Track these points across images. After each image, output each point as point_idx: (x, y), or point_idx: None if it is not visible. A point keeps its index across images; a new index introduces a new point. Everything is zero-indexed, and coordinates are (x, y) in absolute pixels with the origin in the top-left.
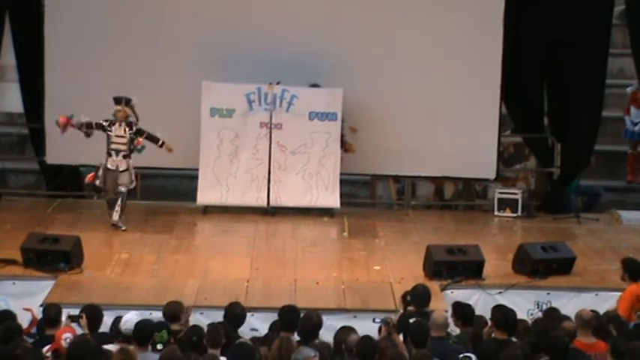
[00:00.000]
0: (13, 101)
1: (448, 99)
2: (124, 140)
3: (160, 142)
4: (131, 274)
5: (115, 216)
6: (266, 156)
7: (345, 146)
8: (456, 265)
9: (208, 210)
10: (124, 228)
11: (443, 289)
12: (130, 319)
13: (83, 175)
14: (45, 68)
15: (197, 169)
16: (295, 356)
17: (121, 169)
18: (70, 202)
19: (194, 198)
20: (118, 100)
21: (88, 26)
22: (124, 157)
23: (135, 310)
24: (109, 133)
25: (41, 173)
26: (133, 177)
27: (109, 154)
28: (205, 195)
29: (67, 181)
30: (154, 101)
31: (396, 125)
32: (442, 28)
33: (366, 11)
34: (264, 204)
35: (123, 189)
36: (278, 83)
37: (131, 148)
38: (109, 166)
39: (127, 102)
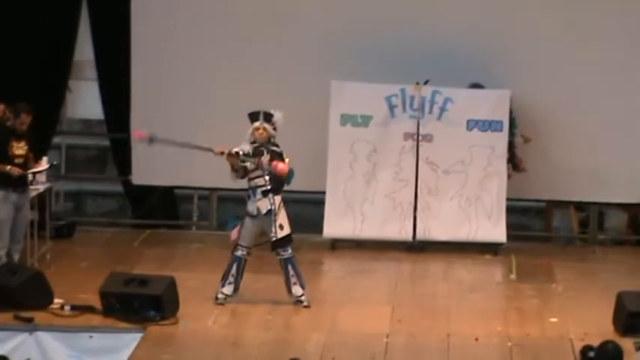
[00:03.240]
0: (92, 105)
1: None
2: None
3: None
4: (239, 325)
5: (297, 290)
6: (412, 176)
7: (514, 161)
8: None
9: (338, 245)
10: (306, 304)
11: (639, 347)
12: None
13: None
14: (131, 64)
15: (324, 193)
16: None
17: (264, 212)
18: (163, 233)
19: (320, 230)
20: (254, 117)
21: (184, 13)
22: (266, 193)
23: None
24: (247, 164)
25: (126, 197)
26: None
27: (248, 196)
28: (334, 226)
29: (158, 207)
30: (268, 108)
31: (578, 139)
32: (637, 18)
33: None
34: (410, 237)
35: (284, 253)
36: (426, 83)
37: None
38: (249, 210)
39: (268, 118)
